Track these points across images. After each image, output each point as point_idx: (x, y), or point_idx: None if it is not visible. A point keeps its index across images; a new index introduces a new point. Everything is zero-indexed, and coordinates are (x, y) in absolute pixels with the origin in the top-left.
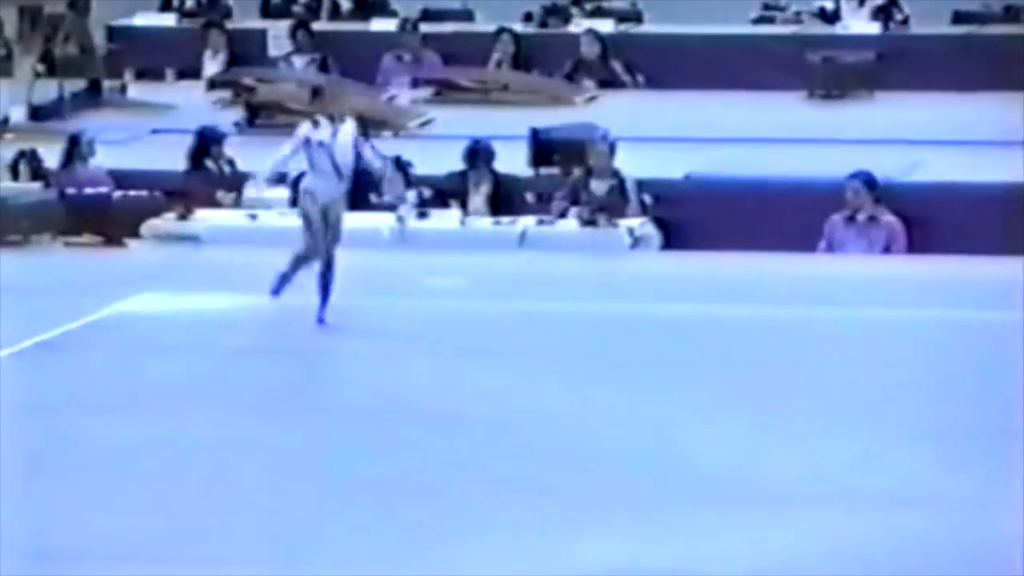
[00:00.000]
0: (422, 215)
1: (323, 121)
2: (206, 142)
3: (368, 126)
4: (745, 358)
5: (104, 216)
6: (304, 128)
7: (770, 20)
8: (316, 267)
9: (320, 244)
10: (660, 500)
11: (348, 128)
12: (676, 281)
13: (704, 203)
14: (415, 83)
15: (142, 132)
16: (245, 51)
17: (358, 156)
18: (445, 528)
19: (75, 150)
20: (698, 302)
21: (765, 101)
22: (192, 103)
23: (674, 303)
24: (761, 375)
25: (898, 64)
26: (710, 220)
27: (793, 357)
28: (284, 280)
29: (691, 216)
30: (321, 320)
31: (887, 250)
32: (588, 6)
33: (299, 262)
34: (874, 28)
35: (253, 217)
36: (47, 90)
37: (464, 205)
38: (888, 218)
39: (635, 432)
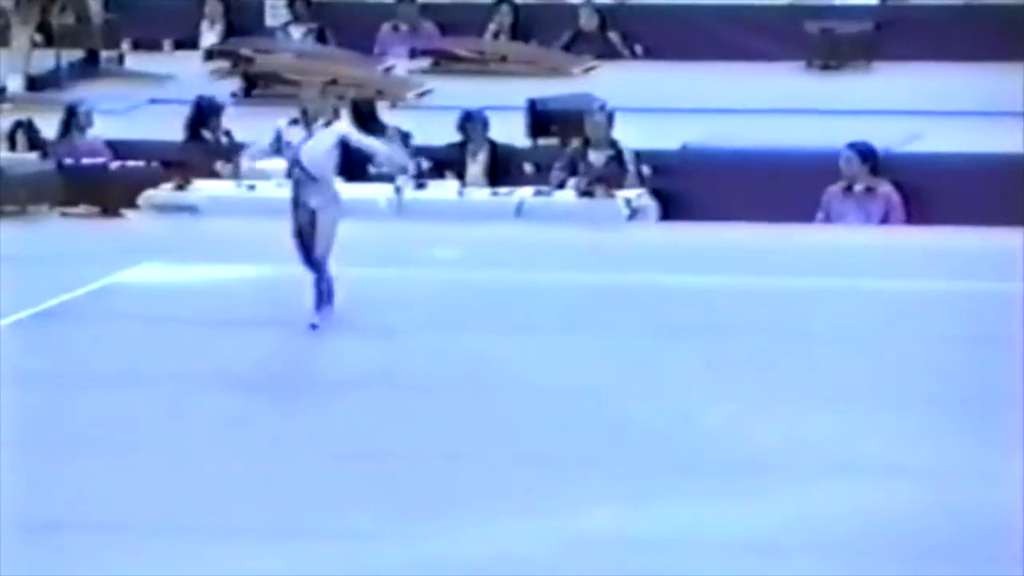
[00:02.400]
0: (420, 186)
1: (301, 121)
2: (204, 112)
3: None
4: (742, 328)
5: (101, 186)
6: (281, 123)
7: None
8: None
9: (304, 253)
10: (654, 468)
11: (331, 132)
12: (673, 252)
13: (701, 174)
14: (413, 53)
15: (139, 102)
16: (243, 21)
17: (347, 154)
18: (444, 500)
19: (72, 120)
20: (695, 273)
21: (763, 72)
22: (190, 73)
23: (671, 274)
24: (758, 345)
25: (897, 34)
26: (707, 191)
27: (790, 327)
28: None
29: (688, 187)
30: (313, 325)
31: (885, 221)
32: None
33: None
34: None
35: (251, 188)
36: (44, 60)
37: (461, 176)
38: (886, 189)
39: (630, 401)
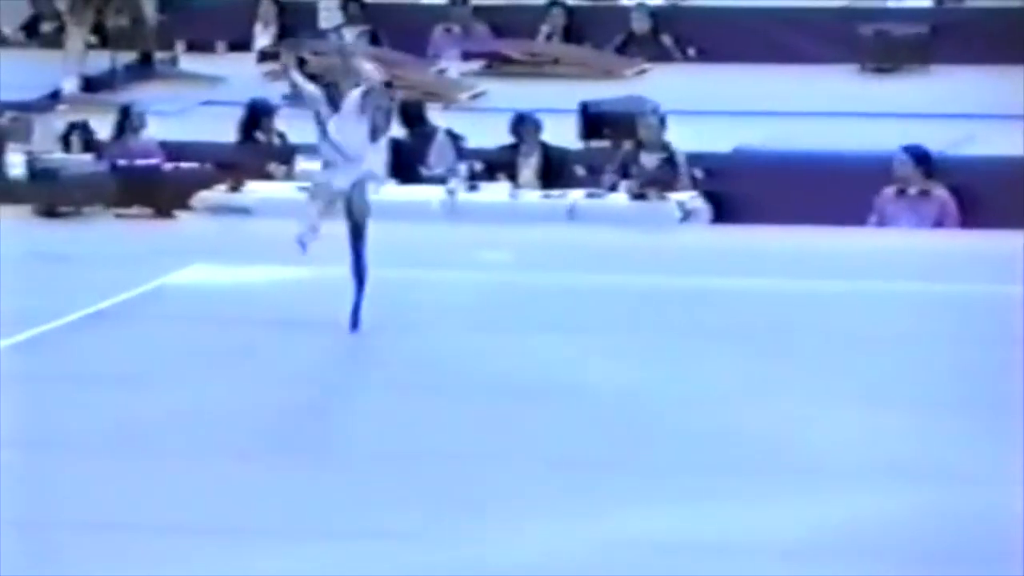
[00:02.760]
0: (472, 188)
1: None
2: (257, 114)
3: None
4: (792, 331)
5: (155, 188)
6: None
7: None
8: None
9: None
10: (708, 472)
11: (355, 95)
12: (725, 255)
13: (754, 177)
14: (465, 56)
15: (193, 104)
16: (296, 23)
17: (399, 156)
18: (489, 503)
19: (126, 122)
20: (748, 276)
21: (816, 74)
22: (243, 75)
23: (724, 276)
24: (808, 348)
25: (952, 37)
26: (760, 194)
27: (841, 330)
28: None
29: (741, 190)
30: (354, 324)
31: (939, 225)
32: None
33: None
34: (928, 1)
35: (304, 189)
36: (99, 62)
37: (514, 178)
38: (940, 192)
39: (683, 405)
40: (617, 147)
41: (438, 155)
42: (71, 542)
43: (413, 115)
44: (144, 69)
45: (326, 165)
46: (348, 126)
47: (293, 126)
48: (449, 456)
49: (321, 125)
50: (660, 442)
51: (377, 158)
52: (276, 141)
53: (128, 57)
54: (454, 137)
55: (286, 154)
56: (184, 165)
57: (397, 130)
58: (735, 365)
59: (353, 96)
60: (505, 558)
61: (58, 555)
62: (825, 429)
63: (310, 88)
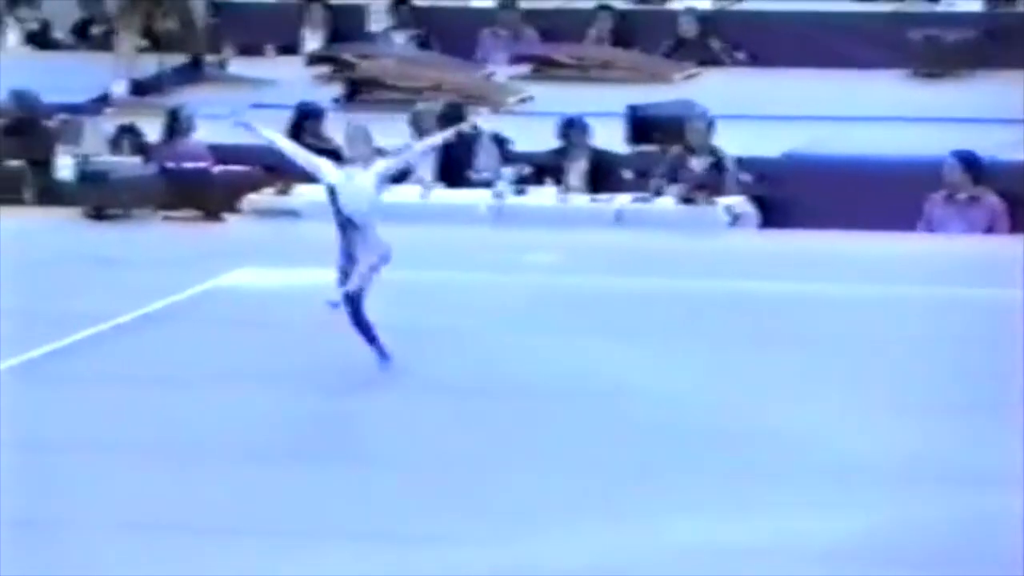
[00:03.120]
0: (520, 191)
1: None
2: (305, 117)
3: (467, 103)
4: (842, 336)
5: (204, 190)
6: (325, 167)
7: None
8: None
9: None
10: (747, 476)
11: (370, 174)
12: (774, 259)
13: (803, 181)
14: (514, 60)
15: (242, 107)
16: (345, 26)
17: (448, 158)
18: (532, 506)
19: (175, 125)
20: (795, 281)
21: (866, 79)
22: (292, 78)
23: (772, 281)
24: (856, 353)
25: (1002, 42)
26: (809, 198)
27: (890, 336)
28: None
29: (790, 194)
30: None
31: (989, 230)
32: None
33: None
34: (978, 5)
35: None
36: (148, 65)
37: (561, 182)
38: (990, 198)
39: (729, 409)
40: (665, 151)
41: (484, 159)
42: (113, 541)
43: (454, 119)
44: (193, 72)
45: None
46: (359, 194)
47: (341, 129)
48: (494, 460)
49: (331, 196)
50: (704, 447)
51: (424, 161)
52: (324, 145)
53: (177, 60)
54: (500, 141)
55: (335, 157)
56: (233, 168)
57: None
58: (782, 370)
59: (374, 170)
60: (548, 562)
61: (100, 554)
62: (870, 434)
63: (303, 154)
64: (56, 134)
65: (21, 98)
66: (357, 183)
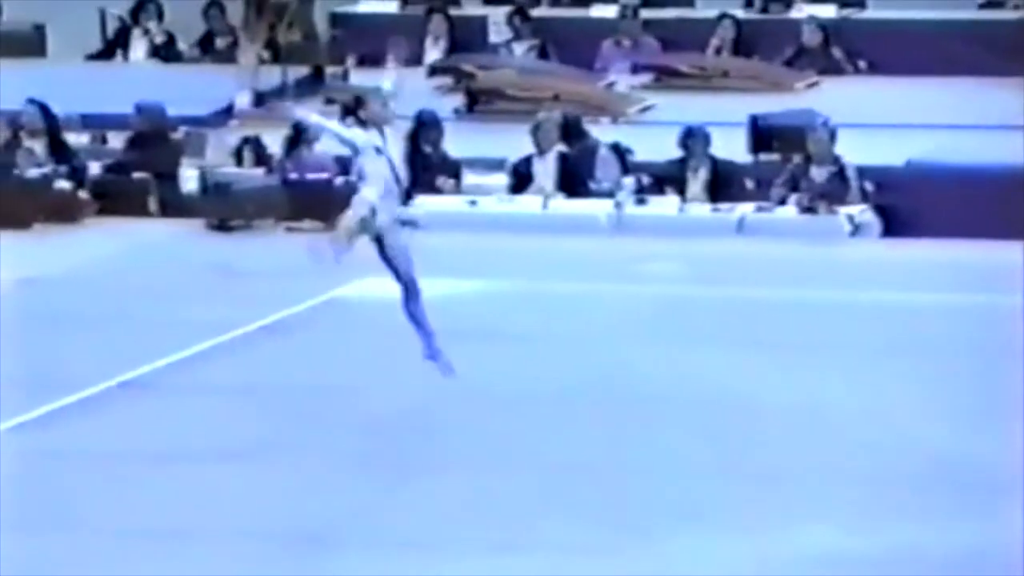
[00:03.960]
0: (640, 201)
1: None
2: (425, 128)
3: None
4: (965, 346)
5: (326, 201)
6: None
7: (998, 4)
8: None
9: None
10: (872, 486)
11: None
12: (897, 268)
13: (926, 190)
14: (634, 69)
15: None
16: (466, 38)
17: (567, 171)
18: (657, 515)
19: (301, 135)
20: (918, 290)
21: (988, 86)
22: (412, 89)
23: (894, 291)
24: (981, 363)
25: None
26: (931, 207)
27: (1011, 345)
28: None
29: (912, 203)
30: (432, 357)
31: None
32: None
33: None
34: None
35: (472, 203)
36: (271, 77)
37: (682, 192)
38: None
39: (849, 418)
40: (787, 160)
41: (604, 169)
42: (238, 552)
43: (573, 130)
44: (315, 83)
45: (382, 191)
46: (394, 154)
47: (461, 140)
48: (617, 468)
49: (382, 152)
50: (832, 455)
51: (544, 171)
52: (444, 155)
53: (300, 72)
54: (620, 151)
55: (454, 168)
56: (354, 179)
57: (559, 145)
58: (902, 380)
59: (391, 134)
60: (674, 572)
61: (225, 564)
62: (1004, 444)
63: (339, 127)
64: (181, 146)
65: (147, 111)
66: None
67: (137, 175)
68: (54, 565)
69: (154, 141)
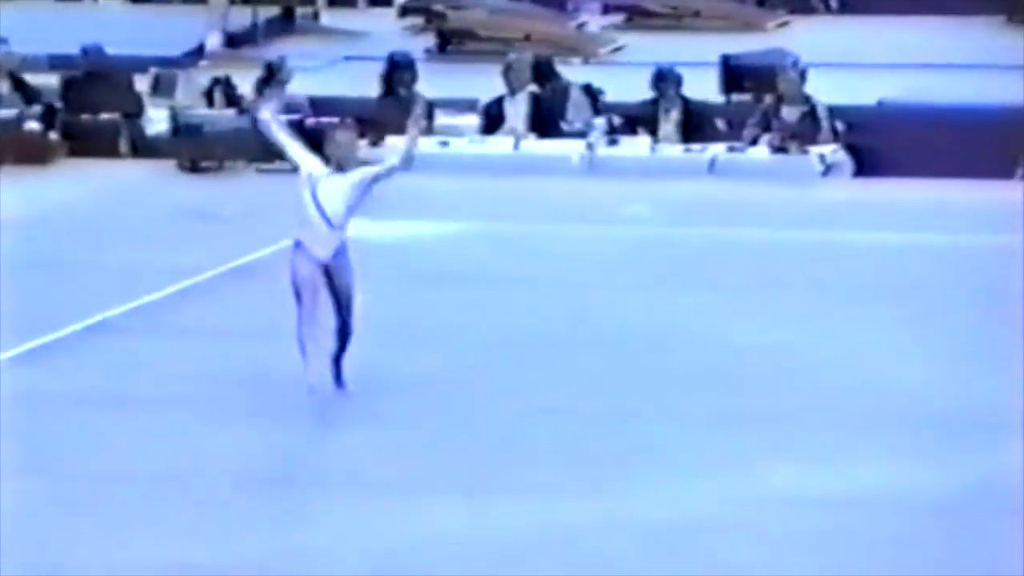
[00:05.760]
0: (612, 142)
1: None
2: (398, 69)
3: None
4: (935, 286)
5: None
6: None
7: None
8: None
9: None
10: (840, 426)
11: (351, 177)
12: (868, 208)
13: (897, 130)
14: (606, 9)
15: (335, 59)
16: None
17: (538, 111)
18: (632, 457)
19: (273, 76)
20: (889, 230)
21: (962, 26)
22: (384, 30)
23: (865, 231)
24: (950, 303)
25: None
26: (903, 147)
27: (988, 286)
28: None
29: (884, 143)
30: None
31: None
32: None
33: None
34: None
35: (444, 144)
36: (241, 17)
37: (654, 132)
38: None
39: (819, 359)
40: (758, 101)
41: (576, 110)
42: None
43: (544, 71)
44: (286, 24)
45: (305, 225)
46: (337, 193)
47: (433, 81)
48: (589, 410)
49: (311, 186)
50: (801, 397)
51: (516, 112)
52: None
53: (270, 12)
54: (592, 92)
55: (426, 109)
56: (325, 120)
57: (531, 86)
58: (877, 320)
59: (356, 175)
60: (644, 513)
61: (205, 509)
62: (972, 385)
63: (295, 147)
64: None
65: (89, 52)
66: (337, 182)
67: (106, 116)
68: (24, 507)
69: (93, 82)
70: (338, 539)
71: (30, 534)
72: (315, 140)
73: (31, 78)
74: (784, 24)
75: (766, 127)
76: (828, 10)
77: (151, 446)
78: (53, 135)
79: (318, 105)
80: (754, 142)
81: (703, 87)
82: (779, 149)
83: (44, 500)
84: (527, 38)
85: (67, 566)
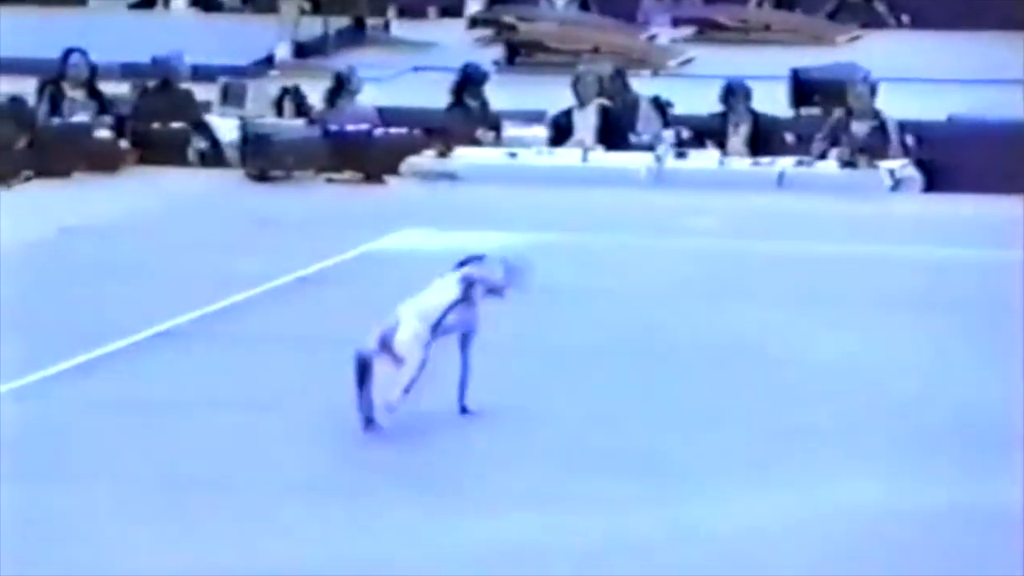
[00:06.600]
0: (680, 155)
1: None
2: (468, 80)
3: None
4: (1005, 302)
5: (365, 153)
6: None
7: None
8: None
9: None
10: (907, 442)
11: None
12: (937, 224)
13: (967, 145)
14: (676, 22)
15: (404, 69)
16: None
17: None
18: (700, 468)
19: (343, 86)
20: (960, 245)
21: None
22: (453, 41)
23: (935, 246)
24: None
25: None
26: (973, 162)
27: None
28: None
29: (954, 158)
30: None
31: None
32: None
33: None
34: None
35: (512, 155)
36: (312, 27)
37: (723, 145)
38: None
39: (887, 374)
40: (827, 115)
41: (644, 122)
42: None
43: (615, 82)
44: (356, 34)
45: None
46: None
47: (501, 92)
48: (655, 422)
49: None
50: (868, 410)
51: (584, 124)
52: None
53: (341, 22)
54: (661, 104)
55: (494, 120)
56: (394, 131)
57: (600, 98)
58: (943, 336)
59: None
60: (709, 525)
61: (263, 515)
62: None
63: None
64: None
65: (160, 63)
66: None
67: (175, 125)
68: (93, 514)
69: (165, 93)
70: (406, 549)
71: (95, 538)
72: (383, 151)
73: (104, 86)
74: (855, 38)
75: (835, 141)
76: (899, 24)
77: (216, 453)
78: (123, 143)
79: (386, 115)
80: (823, 156)
81: (772, 100)
82: (848, 163)
83: (110, 505)
84: (596, 50)
85: (134, 569)
